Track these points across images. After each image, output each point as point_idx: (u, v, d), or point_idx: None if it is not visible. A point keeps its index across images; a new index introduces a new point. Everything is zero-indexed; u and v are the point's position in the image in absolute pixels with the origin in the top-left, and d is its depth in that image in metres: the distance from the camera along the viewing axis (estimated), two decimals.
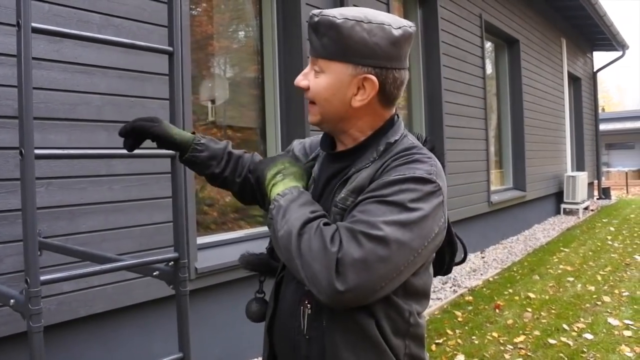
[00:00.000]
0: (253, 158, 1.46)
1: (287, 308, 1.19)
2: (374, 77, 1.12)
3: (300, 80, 1.18)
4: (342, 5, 4.29)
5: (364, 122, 1.19)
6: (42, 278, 1.34)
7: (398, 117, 1.23)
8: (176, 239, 1.74)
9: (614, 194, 15.12)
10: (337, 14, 1.12)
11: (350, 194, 1.12)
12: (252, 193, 1.41)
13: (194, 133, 1.41)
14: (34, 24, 1.37)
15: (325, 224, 1.04)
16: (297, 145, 1.43)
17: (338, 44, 1.11)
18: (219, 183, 1.43)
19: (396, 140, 1.18)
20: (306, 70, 1.18)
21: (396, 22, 1.14)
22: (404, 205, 1.01)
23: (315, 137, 1.39)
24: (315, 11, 1.15)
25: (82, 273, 1.54)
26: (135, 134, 1.33)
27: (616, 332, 4.00)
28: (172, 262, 1.71)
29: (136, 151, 1.35)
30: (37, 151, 1.36)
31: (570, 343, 3.79)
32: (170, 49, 1.71)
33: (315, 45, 1.14)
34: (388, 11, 4.99)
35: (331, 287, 0.96)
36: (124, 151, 1.34)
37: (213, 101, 3.89)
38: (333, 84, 1.14)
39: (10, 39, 2.29)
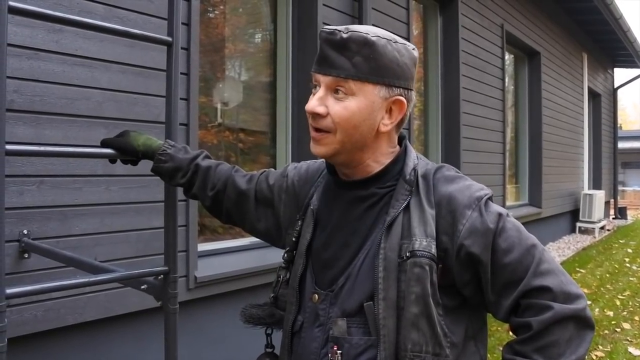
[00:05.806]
0: (232, 173, 1.32)
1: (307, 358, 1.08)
2: (403, 99, 1.04)
3: (317, 106, 1.02)
4: (360, 7, 4.13)
5: (382, 149, 1.08)
6: (8, 291, 1.18)
7: (404, 136, 1.14)
8: (167, 250, 1.56)
9: (630, 214, 14.80)
10: (364, 30, 1.01)
11: (430, 240, 1.01)
12: (228, 211, 1.30)
13: (173, 145, 1.37)
14: (11, 3, 1.21)
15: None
16: (292, 170, 1.28)
17: (372, 63, 1.00)
18: (191, 195, 1.36)
19: (416, 165, 1.09)
20: (320, 93, 1.02)
21: (409, 43, 1.09)
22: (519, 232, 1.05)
23: (312, 163, 1.27)
24: (338, 27, 1.01)
25: (55, 286, 1.37)
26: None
27: None
28: (162, 276, 1.54)
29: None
30: (8, 147, 1.20)
31: None
32: (169, 39, 1.54)
33: (343, 65, 0.99)
34: (408, 18, 4.81)
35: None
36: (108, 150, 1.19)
37: (223, 103, 3.74)
38: (365, 107, 1.01)
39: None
